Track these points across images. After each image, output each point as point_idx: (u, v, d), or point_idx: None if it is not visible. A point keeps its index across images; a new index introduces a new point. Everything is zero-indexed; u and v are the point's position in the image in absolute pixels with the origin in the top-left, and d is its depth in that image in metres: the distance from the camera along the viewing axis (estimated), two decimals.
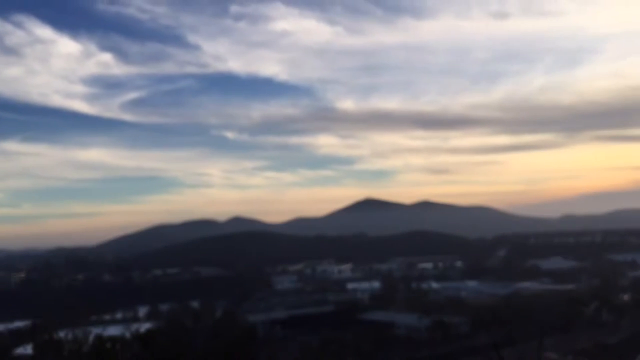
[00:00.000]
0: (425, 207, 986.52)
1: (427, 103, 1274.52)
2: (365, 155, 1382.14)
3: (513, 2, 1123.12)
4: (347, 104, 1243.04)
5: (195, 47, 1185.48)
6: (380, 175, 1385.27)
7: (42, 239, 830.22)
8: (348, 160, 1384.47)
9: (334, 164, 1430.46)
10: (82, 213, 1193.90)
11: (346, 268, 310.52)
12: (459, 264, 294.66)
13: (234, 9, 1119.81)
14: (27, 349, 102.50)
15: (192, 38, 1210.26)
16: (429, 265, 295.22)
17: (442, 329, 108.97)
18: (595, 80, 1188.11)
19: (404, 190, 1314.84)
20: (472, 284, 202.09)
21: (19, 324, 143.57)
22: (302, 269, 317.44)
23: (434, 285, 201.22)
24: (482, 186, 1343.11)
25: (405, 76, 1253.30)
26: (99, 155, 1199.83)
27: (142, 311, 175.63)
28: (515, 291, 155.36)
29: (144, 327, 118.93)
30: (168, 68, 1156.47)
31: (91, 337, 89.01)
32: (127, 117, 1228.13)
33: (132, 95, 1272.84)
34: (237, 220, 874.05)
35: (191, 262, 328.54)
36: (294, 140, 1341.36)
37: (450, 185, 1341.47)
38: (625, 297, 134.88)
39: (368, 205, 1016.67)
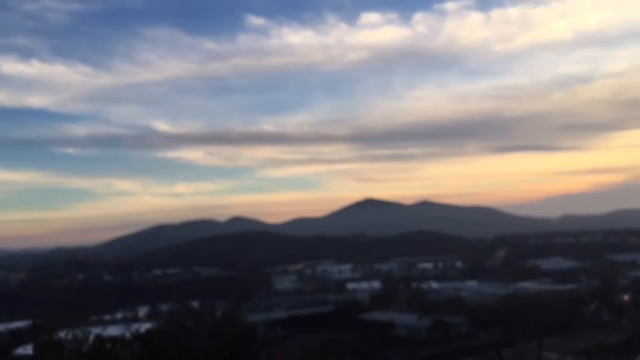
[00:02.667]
0: (425, 207, 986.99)
1: (249, 124, 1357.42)
2: (255, 166, 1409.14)
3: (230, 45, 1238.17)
4: (162, 126, 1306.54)
5: None
6: (308, 183, 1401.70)
7: (42, 239, 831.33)
8: (247, 171, 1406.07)
9: (242, 174, 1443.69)
10: None
11: (346, 268, 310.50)
12: (459, 264, 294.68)
13: None
14: (27, 349, 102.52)
15: None
16: (429, 265, 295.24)
17: (442, 329, 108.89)
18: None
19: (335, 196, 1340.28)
20: (472, 284, 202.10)
21: (19, 324, 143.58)
22: (302, 269, 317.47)
23: (434, 285, 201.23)
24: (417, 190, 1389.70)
25: (187, 104, 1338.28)
26: None
27: (142, 311, 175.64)
28: (515, 291, 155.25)
29: (144, 327, 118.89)
30: None
31: (91, 337, 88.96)
32: None
33: None
34: (237, 220, 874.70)
35: (191, 262, 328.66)
36: (160, 154, 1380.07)
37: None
38: (625, 297, 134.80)
39: (368, 205, 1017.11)
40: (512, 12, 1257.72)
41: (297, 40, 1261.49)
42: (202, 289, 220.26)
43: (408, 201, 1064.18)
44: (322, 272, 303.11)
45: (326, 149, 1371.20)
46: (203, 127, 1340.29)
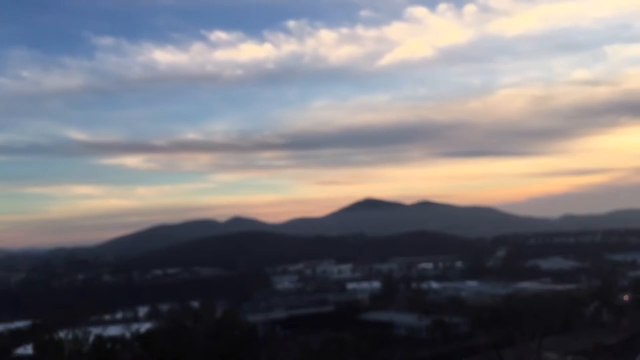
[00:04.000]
0: (425, 207, 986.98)
1: (170, 134, 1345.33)
2: (205, 172, 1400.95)
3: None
4: (79, 136, 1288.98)
5: None
6: (267, 187, 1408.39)
7: (42, 239, 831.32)
8: (198, 176, 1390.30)
9: (194, 179, 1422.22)
10: None
11: (346, 268, 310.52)
12: (459, 264, 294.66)
13: None
14: (27, 349, 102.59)
15: None
16: (429, 265, 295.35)
17: (442, 329, 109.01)
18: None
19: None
20: (472, 284, 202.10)
21: (19, 324, 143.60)
22: (302, 269, 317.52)
23: (434, 285, 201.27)
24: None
25: (89, 116, 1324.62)
26: None
27: (142, 311, 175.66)
28: (515, 291, 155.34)
29: (144, 327, 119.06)
30: None
31: (91, 337, 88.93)
32: None
33: None
34: (237, 220, 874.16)
35: (191, 262, 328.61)
36: (98, 161, 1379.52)
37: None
38: (625, 297, 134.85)
39: (368, 205, 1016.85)
40: (360, 30, 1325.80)
41: (163, 58, 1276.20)
42: (202, 289, 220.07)
43: (408, 201, 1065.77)
44: (322, 272, 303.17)
45: (268, 155, 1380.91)
46: (123, 137, 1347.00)
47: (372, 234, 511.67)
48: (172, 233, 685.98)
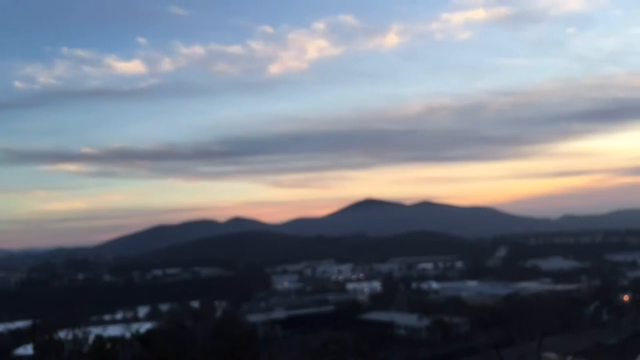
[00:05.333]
0: (425, 207, 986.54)
1: (96, 142, 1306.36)
2: (156, 176, 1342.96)
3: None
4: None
5: None
6: (247, 191, 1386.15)
7: (42, 239, 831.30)
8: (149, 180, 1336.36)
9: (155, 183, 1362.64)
10: None
11: (346, 268, 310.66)
12: (459, 264, 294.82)
13: None
14: (27, 349, 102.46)
15: None
16: (429, 265, 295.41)
17: (442, 329, 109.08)
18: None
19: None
20: (472, 284, 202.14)
21: (19, 324, 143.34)
22: (302, 269, 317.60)
23: (434, 285, 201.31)
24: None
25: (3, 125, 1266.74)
26: None
27: (142, 311, 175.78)
28: (515, 291, 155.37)
29: (144, 327, 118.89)
30: None
31: (91, 337, 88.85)
32: None
33: None
34: (237, 221, 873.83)
35: (191, 262, 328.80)
36: (39, 168, 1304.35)
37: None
38: (625, 297, 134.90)
39: (368, 205, 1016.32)
40: (219, 47, 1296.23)
41: (37, 75, 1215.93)
42: (202, 289, 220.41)
43: (408, 201, 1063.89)
44: (322, 272, 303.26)
45: (206, 162, 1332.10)
46: (49, 146, 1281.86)
47: (372, 234, 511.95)
48: (172, 233, 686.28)
